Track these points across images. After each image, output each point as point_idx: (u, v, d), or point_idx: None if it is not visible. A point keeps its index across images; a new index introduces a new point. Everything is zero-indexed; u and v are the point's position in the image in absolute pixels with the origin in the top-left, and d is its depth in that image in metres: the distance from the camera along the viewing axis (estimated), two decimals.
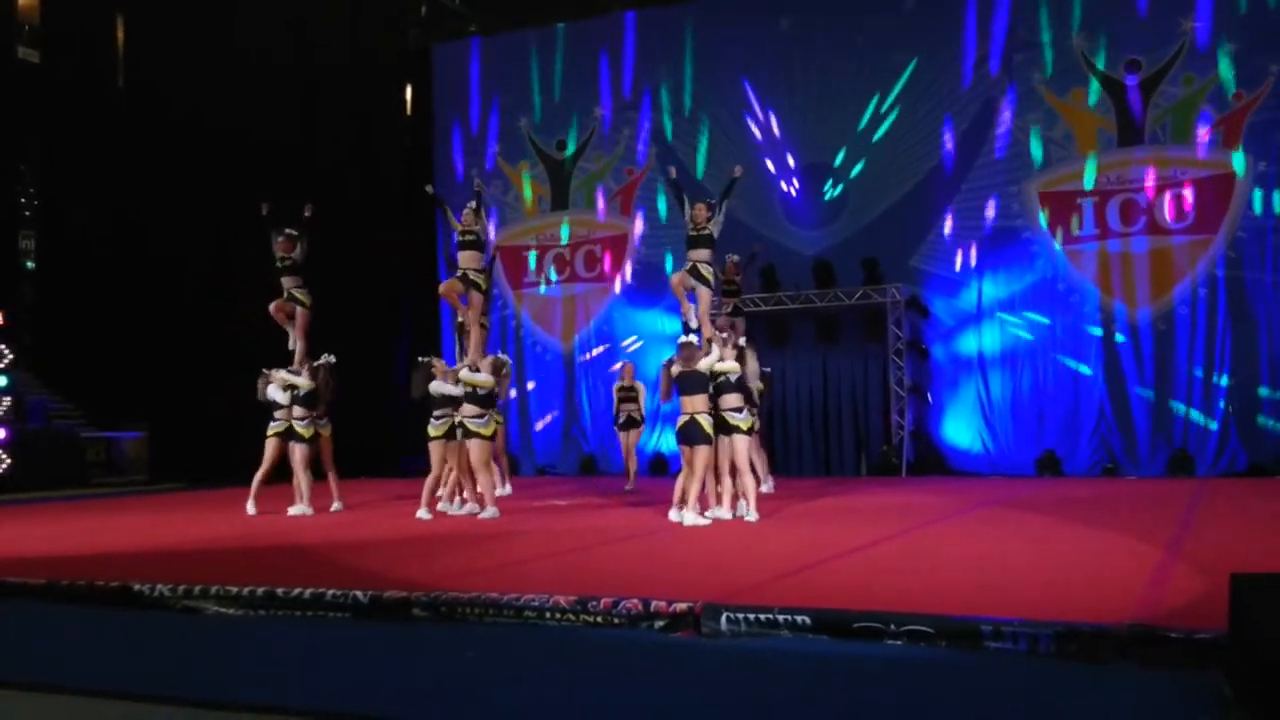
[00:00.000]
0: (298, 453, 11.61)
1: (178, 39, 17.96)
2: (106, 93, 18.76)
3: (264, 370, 11.94)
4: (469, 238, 11.65)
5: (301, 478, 11.58)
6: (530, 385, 18.45)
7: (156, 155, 18.02)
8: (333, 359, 12.06)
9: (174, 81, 17.95)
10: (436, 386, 10.95)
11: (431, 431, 11.11)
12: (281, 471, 11.85)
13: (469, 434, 10.60)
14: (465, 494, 11.16)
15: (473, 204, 11.84)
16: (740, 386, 9.91)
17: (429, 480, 11.14)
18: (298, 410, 11.59)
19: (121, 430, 17.96)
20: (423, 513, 10.74)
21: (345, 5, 18.47)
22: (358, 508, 12.05)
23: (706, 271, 10.78)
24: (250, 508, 11.42)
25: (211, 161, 17.74)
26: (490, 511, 10.58)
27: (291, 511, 11.41)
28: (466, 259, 11.66)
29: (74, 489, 16.11)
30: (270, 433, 11.72)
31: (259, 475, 11.69)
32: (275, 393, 11.65)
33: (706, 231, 10.73)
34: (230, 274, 17.69)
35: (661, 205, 17.75)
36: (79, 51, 18.89)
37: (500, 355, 11.41)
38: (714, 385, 9.84)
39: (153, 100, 18.31)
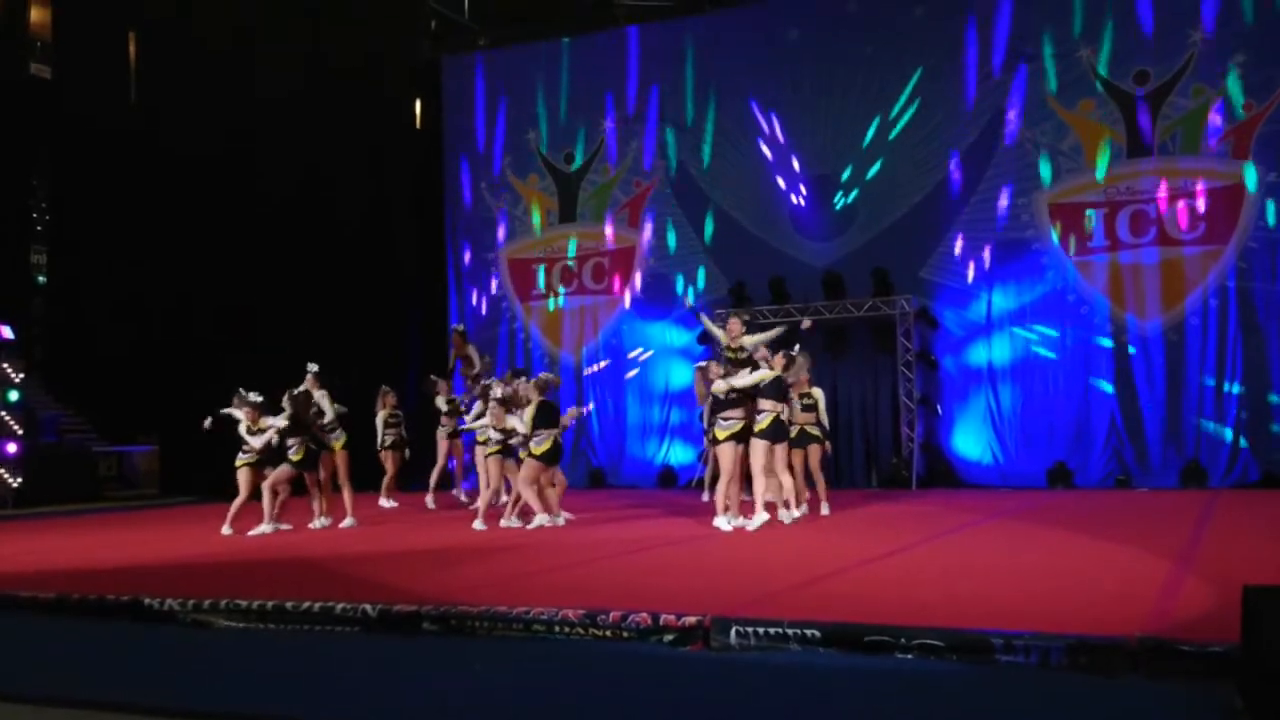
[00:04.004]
0: (278, 473, 11.26)
1: (188, 55, 18.06)
2: (118, 109, 18.86)
3: (240, 391, 11.38)
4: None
5: (268, 496, 11.26)
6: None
7: (167, 171, 18.11)
8: (315, 368, 11.87)
9: (185, 97, 18.04)
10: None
11: (237, 462, 11.23)
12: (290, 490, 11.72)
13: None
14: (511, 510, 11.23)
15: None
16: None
17: (485, 495, 11.21)
18: (290, 440, 11.20)
19: (133, 444, 18.02)
20: (478, 524, 10.83)
21: (353, 20, 18.56)
22: (368, 524, 12.02)
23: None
24: (226, 529, 11.07)
25: (221, 177, 17.82)
26: (540, 519, 10.69)
27: (254, 530, 11.14)
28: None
29: (86, 503, 16.15)
30: (240, 463, 11.31)
31: (236, 503, 11.24)
32: (243, 431, 11.22)
33: (744, 353, 10.23)
34: (241, 288, 17.75)
35: (669, 217, 17.76)
36: (91, 68, 19.00)
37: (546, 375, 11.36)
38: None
39: (164, 116, 18.41)
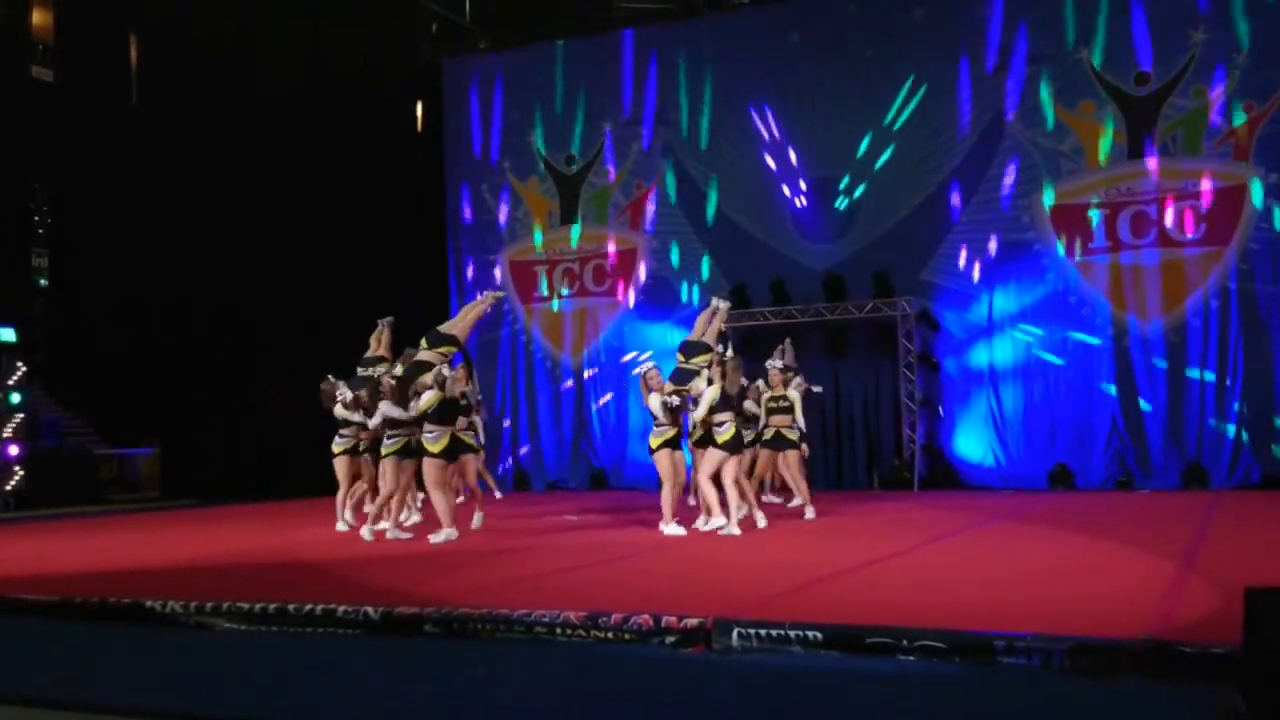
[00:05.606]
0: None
1: (188, 56, 18.08)
2: (120, 112, 18.88)
3: (329, 379, 11.33)
4: None
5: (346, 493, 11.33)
6: (540, 399, 18.44)
7: (169, 174, 18.13)
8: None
9: (185, 98, 18.06)
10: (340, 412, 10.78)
11: (334, 449, 11.20)
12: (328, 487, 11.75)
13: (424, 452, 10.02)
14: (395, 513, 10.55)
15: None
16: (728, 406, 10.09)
17: (380, 500, 10.49)
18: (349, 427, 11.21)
19: (134, 447, 18.03)
20: (365, 531, 10.28)
21: (353, 21, 18.57)
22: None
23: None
24: (341, 524, 11.14)
25: (221, 178, 17.83)
26: (446, 534, 9.93)
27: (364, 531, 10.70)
28: None
29: (87, 506, 16.15)
30: (337, 449, 11.24)
31: (340, 496, 11.28)
32: (342, 409, 11.13)
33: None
34: (241, 290, 17.76)
35: (670, 219, 17.75)
36: (92, 70, 19.02)
37: (442, 370, 10.31)
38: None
39: (164, 118, 18.42)
